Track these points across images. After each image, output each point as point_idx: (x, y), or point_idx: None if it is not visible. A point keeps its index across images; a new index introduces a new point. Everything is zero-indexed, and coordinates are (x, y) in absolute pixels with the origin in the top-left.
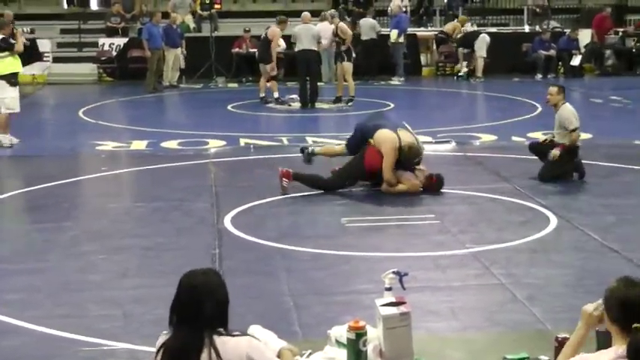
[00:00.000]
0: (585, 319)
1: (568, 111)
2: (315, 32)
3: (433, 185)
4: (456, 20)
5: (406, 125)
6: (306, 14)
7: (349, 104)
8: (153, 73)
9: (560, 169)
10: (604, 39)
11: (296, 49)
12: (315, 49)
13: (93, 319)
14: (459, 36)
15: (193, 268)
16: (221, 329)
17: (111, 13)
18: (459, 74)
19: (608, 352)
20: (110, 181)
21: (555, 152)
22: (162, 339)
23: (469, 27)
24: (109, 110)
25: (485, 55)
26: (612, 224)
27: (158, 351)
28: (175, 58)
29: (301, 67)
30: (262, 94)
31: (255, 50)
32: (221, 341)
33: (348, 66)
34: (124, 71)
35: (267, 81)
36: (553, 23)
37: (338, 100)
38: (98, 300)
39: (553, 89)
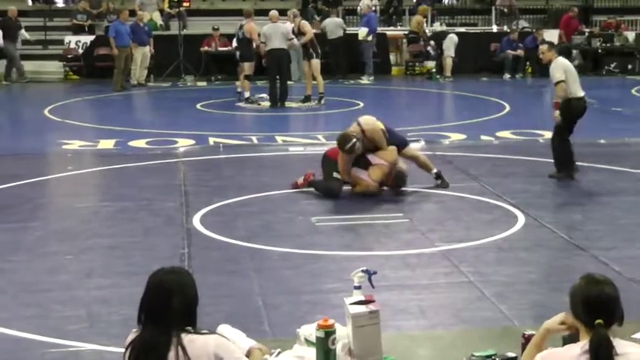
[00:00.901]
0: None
1: (554, 65)
2: (284, 31)
3: (392, 182)
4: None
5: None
6: (274, 13)
7: (321, 102)
8: (121, 71)
9: (567, 129)
10: (571, 39)
11: (266, 49)
12: (285, 47)
13: (59, 320)
14: (427, 30)
15: (162, 267)
16: (189, 327)
17: (77, 10)
18: (432, 71)
19: (575, 346)
20: (77, 181)
21: (555, 114)
22: (131, 337)
23: (438, 26)
24: (76, 109)
25: (453, 55)
26: (579, 222)
27: (126, 349)
28: (143, 56)
29: (272, 67)
30: (244, 92)
31: (226, 49)
32: (189, 339)
33: (315, 63)
34: (90, 69)
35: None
36: (523, 23)
37: (307, 99)
38: (64, 300)
39: (543, 47)
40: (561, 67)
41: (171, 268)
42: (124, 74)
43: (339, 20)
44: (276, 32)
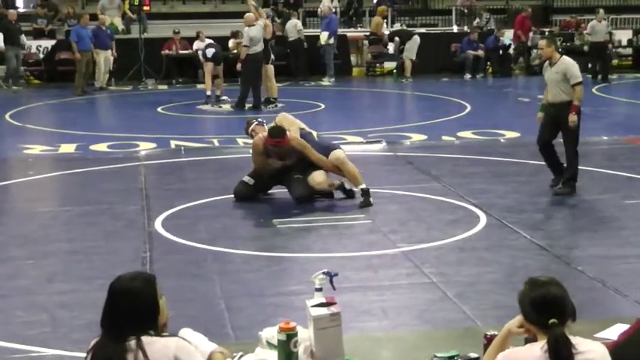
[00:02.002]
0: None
1: (569, 63)
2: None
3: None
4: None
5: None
6: (250, 15)
7: (271, 106)
8: (82, 75)
9: (578, 131)
10: (529, 37)
11: (250, 52)
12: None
13: (20, 326)
14: (386, 32)
15: (124, 273)
16: (150, 330)
17: (37, 14)
18: (393, 72)
19: (535, 345)
20: (38, 186)
21: (573, 117)
22: (92, 342)
23: (398, 26)
24: (37, 113)
25: (414, 58)
26: (540, 221)
27: (87, 354)
28: (106, 60)
29: (256, 70)
30: (219, 94)
31: (187, 52)
32: (149, 341)
33: (270, 68)
34: (51, 74)
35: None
36: (489, 20)
37: (268, 101)
38: (25, 306)
39: (542, 42)
40: (576, 66)
41: (134, 274)
42: (86, 78)
43: (296, 21)
44: (261, 36)
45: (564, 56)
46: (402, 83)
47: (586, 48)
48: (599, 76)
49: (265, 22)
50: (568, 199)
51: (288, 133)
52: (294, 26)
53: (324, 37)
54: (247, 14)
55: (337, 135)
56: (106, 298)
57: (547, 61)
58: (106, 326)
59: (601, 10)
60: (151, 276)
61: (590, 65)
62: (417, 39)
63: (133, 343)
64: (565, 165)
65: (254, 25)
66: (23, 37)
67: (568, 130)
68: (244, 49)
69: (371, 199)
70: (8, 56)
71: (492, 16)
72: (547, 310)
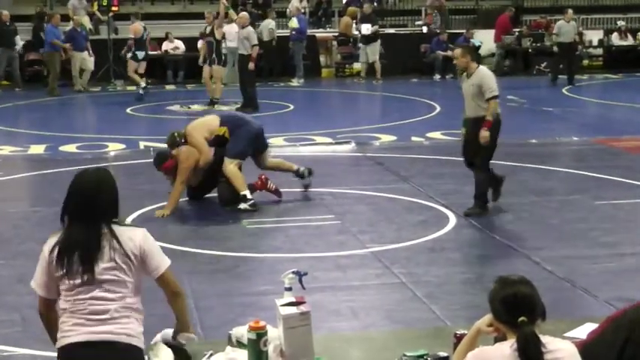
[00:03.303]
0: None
1: (486, 75)
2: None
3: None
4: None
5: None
6: (245, 15)
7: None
8: (56, 76)
9: (492, 149)
10: (501, 39)
11: (246, 53)
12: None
13: None
14: (356, 32)
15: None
16: (116, 220)
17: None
18: (360, 74)
19: (505, 344)
20: (7, 186)
21: (485, 133)
22: (52, 240)
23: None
24: (6, 114)
25: (377, 60)
26: (510, 222)
27: (50, 252)
28: (82, 61)
29: (253, 71)
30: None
31: (155, 52)
32: (117, 230)
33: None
34: (20, 74)
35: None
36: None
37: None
38: None
39: (457, 51)
40: (493, 79)
41: (94, 168)
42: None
43: (270, 21)
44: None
45: (481, 67)
46: (372, 84)
47: (556, 49)
48: (567, 78)
49: (217, 22)
50: (537, 200)
51: (177, 150)
52: (267, 27)
53: (292, 22)
54: (242, 14)
55: (306, 136)
56: (70, 190)
57: (464, 73)
58: (76, 216)
59: (569, 10)
60: (108, 170)
61: (561, 66)
62: (378, 42)
63: (104, 230)
64: (475, 184)
65: (247, 26)
66: (18, 39)
67: (481, 146)
68: (255, 49)
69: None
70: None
71: (459, 17)
72: (517, 308)
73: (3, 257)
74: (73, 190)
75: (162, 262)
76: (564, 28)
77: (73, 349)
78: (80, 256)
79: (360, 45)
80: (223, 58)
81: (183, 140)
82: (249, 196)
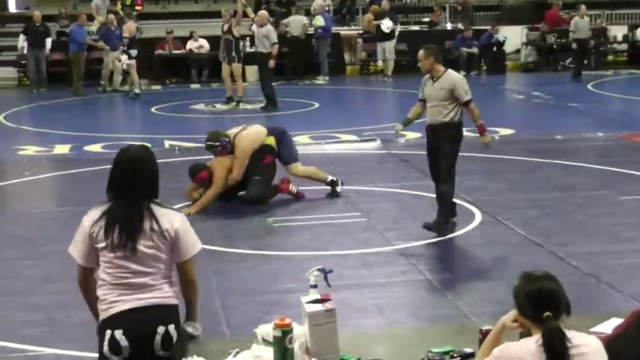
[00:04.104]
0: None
1: (459, 78)
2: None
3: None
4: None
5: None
6: (264, 13)
7: (239, 105)
8: (80, 76)
9: (454, 157)
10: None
11: (266, 51)
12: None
13: (18, 325)
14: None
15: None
16: (156, 200)
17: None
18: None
19: (530, 339)
20: (33, 186)
21: (486, 139)
22: (96, 212)
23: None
24: (31, 115)
25: (394, 57)
26: (535, 218)
27: (95, 222)
28: (115, 61)
29: (271, 69)
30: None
31: (180, 52)
32: (157, 210)
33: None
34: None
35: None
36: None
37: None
38: (22, 306)
39: (420, 52)
40: (466, 81)
41: (136, 146)
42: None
43: (303, 18)
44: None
45: (450, 70)
46: (390, 82)
47: (574, 45)
48: (578, 72)
49: (234, 20)
50: (562, 196)
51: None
52: (300, 22)
53: (318, 20)
54: (260, 12)
55: (332, 133)
56: (113, 166)
57: (428, 75)
58: (119, 193)
59: (582, 6)
60: (150, 149)
61: (585, 61)
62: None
63: (145, 209)
64: (437, 196)
65: (266, 24)
66: (48, 41)
67: (441, 155)
68: (276, 47)
69: (338, 189)
70: (28, 59)
71: (483, 13)
72: (542, 303)
73: (28, 258)
74: (115, 166)
75: (191, 250)
76: (580, 24)
77: (122, 315)
78: (123, 231)
79: (379, 43)
80: (240, 56)
81: (227, 141)
82: (334, 178)
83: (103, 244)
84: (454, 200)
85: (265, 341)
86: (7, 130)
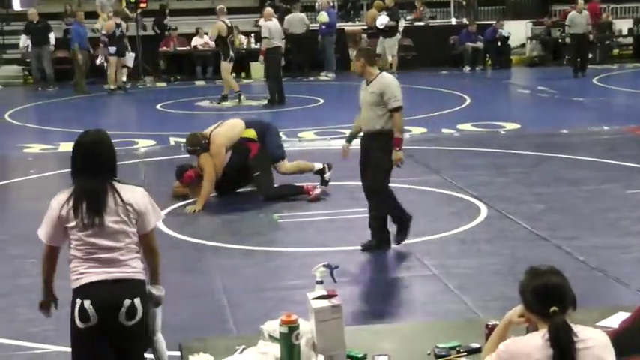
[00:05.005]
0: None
1: (392, 82)
2: (280, 29)
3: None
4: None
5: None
6: (269, 10)
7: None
8: (83, 74)
9: (386, 170)
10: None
11: (269, 46)
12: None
13: (24, 323)
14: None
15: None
16: (116, 178)
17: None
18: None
19: (536, 334)
20: (38, 184)
21: (398, 155)
22: (62, 196)
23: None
24: (36, 112)
25: (395, 54)
26: (541, 212)
27: (64, 204)
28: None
29: (276, 65)
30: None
31: (184, 49)
32: (120, 187)
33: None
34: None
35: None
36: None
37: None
38: (28, 303)
39: (355, 54)
40: (399, 87)
41: (94, 129)
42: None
43: (302, 16)
44: (277, 30)
45: (384, 73)
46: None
47: (568, 40)
48: (579, 68)
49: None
50: (567, 190)
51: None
52: (301, 20)
53: (322, 16)
54: (266, 9)
55: (337, 129)
56: (75, 148)
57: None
58: (83, 171)
59: (580, 1)
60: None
61: (590, 56)
62: (397, 37)
63: (108, 185)
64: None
65: (271, 20)
66: (51, 36)
67: (372, 167)
68: (265, 42)
69: (327, 177)
70: (31, 57)
71: (488, 8)
72: (548, 298)
73: (34, 256)
74: (78, 148)
75: (153, 221)
76: (576, 19)
77: (91, 286)
78: (90, 208)
79: (381, 38)
80: (232, 54)
81: (205, 142)
82: (321, 165)
83: (73, 224)
84: (406, 218)
85: (272, 337)
86: (13, 128)
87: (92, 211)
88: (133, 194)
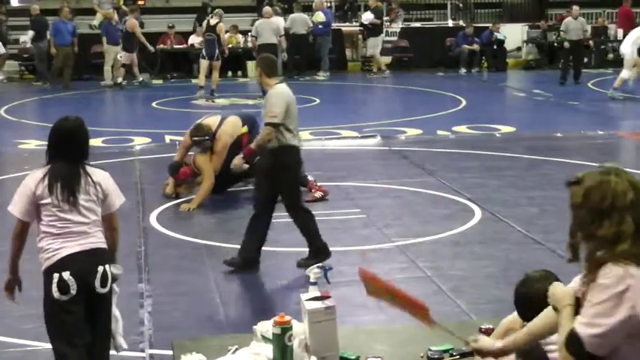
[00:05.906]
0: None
1: (276, 96)
2: (274, 26)
3: None
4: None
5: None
6: (267, 9)
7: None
8: (57, 70)
9: (293, 190)
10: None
11: (258, 43)
12: (276, 42)
13: (16, 320)
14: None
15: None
16: (87, 162)
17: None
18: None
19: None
20: None
21: (238, 161)
22: (38, 174)
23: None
24: (32, 108)
25: (377, 52)
26: (535, 215)
27: (38, 182)
28: (117, 55)
29: None
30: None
31: (181, 46)
32: (90, 170)
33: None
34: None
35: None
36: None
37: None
38: (20, 300)
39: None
40: (283, 100)
41: (73, 117)
42: (68, 73)
43: (305, 17)
44: (268, 28)
45: (277, 85)
46: (396, 78)
47: (567, 44)
48: (574, 76)
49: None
50: (562, 194)
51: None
52: (304, 20)
53: (318, 16)
54: (265, 8)
55: (332, 130)
56: (52, 133)
57: None
58: (62, 153)
59: (575, 7)
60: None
61: (585, 60)
62: (382, 37)
63: (81, 168)
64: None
65: (268, 19)
66: (48, 33)
67: (283, 189)
68: (254, 40)
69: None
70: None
71: (484, 10)
72: (543, 306)
73: (28, 252)
74: (55, 133)
75: (117, 202)
76: (571, 25)
77: (69, 258)
78: (65, 187)
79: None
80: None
81: (212, 135)
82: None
83: (47, 200)
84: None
85: (264, 338)
86: (8, 124)
87: (67, 189)
88: (102, 177)
